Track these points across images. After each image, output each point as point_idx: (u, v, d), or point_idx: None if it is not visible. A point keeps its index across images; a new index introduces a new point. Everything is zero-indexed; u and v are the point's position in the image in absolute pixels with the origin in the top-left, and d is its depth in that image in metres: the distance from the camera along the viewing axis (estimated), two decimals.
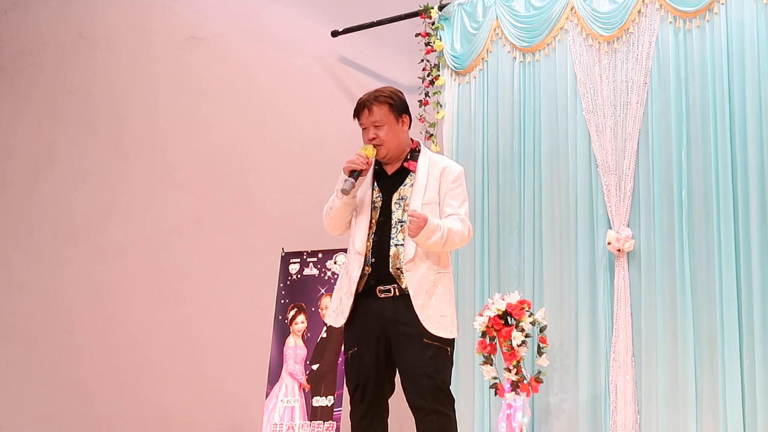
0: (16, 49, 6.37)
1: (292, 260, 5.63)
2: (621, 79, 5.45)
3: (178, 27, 6.50)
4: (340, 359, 5.25)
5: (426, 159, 3.87)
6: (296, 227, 6.29)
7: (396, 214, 3.79)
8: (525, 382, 5.32)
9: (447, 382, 3.73)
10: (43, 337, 6.03)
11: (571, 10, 5.66)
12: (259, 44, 6.57)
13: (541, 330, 5.38)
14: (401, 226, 3.77)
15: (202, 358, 6.11)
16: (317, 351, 5.37)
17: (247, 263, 6.24)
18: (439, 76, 6.19)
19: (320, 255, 5.57)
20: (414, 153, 3.87)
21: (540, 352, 5.35)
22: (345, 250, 5.55)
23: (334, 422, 5.17)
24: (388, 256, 3.75)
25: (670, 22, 5.32)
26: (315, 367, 5.33)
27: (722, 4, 5.13)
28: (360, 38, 6.56)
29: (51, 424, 5.93)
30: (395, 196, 3.82)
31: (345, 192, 3.74)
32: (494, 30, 5.99)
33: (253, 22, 6.59)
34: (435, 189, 3.80)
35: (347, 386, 3.88)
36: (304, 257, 5.61)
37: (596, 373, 5.34)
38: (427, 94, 6.21)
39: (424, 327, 3.67)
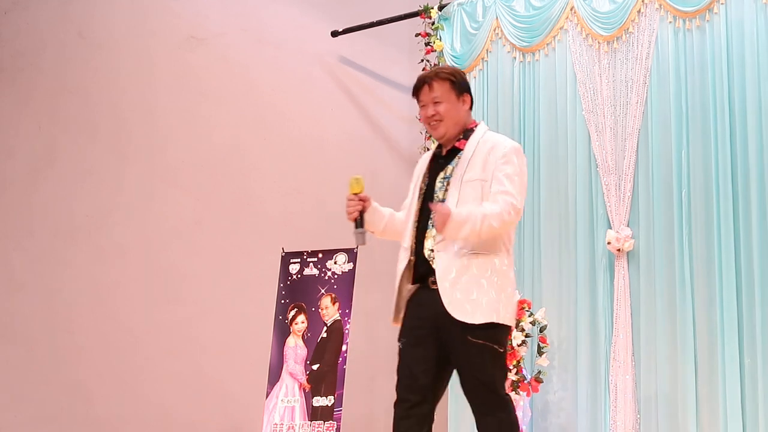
0: (16, 49, 6.36)
1: (292, 260, 5.62)
2: (621, 78, 5.45)
3: (178, 27, 6.49)
4: (340, 359, 5.25)
5: (478, 136, 3.66)
6: (296, 227, 6.29)
7: (438, 195, 3.60)
8: (525, 381, 5.32)
9: (495, 381, 3.51)
10: (43, 337, 6.02)
11: (571, 9, 5.66)
12: (259, 44, 6.57)
13: (541, 330, 5.39)
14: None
15: (202, 358, 6.11)
16: (317, 351, 5.37)
17: (247, 263, 6.24)
18: None
19: (320, 255, 5.57)
20: (468, 132, 3.68)
21: (540, 352, 5.36)
22: (345, 250, 5.60)
23: (335, 422, 5.17)
24: (425, 238, 3.58)
25: (670, 22, 5.32)
26: (315, 367, 5.33)
27: (722, 4, 5.14)
28: (360, 38, 6.56)
29: (51, 424, 5.92)
30: (440, 176, 3.64)
31: (361, 244, 3.65)
32: (494, 30, 6.00)
33: (253, 22, 6.59)
34: (479, 165, 3.57)
35: (397, 374, 3.67)
36: (304, 257, 5.60)
37: (596, 373, 5.35)
38: None
39: (464, 322, 3.45)
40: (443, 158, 3.70)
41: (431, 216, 3.55)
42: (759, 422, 4.77)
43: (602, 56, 5.53)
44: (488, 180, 3.56)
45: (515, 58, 5.91)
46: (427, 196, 3.65)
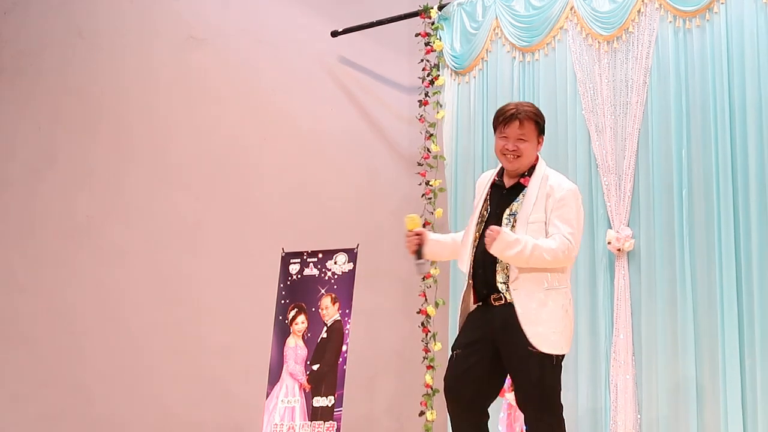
0: (17, 49, 6.37)
1: (292, 260, 5.63)
2: (621, 78, 5.45)
3: (179, 27, 6.50)
4: (341, 359, 5.25)
5: (540, 175, 3.93)
6: (296, 227, 6.29)
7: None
8: None
9: (551, 389, 3.78)
10: (44, 338, 6.03)
11: (571, 9, 5.66)
12: (259, 44, 6.57)
13: None
14: None
15: (202, 359, 6.11)
16: (317, 351, 5.37)
17: (247, 263, 6.24)
18: (438, 76, 6.19)
19: (320, 255, 5.57)
20: (532, 169, 3.95)
21: None
22: (345, 251, 5.60)
23: (335, 422, 5.17)
24: (495, 269, 3.85)
25: (670, 22, 5.32)
26: (315, 367, 5.33)
27: (722, 3, 5.13)
28: (360, 38, 6.56)
29: (52, 425, 5.93)
30: (507, 211, 3.90)
31: (423, 274, 4.04)
32: (494, 30, 5.99)
33: (253, 22, 6.59)
34: (542, 208, 3.85)
35: (444, 382, 3.99)
36: (305, 257, 5.61)
37: (596, 373, 5.34)
38: (426, 94, 6.22)
39: (528, 339, 3.74)
40: (507, 191, 3.95)
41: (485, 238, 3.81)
42: (759, 422, 4.76)
43: (602, 56, 5.52)
44: (546, 221, 3.83)
45: (515, 57, 5.90)
46: (492, 225, 3.87)
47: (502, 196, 3.95)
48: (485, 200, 3.99)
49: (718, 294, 4.94)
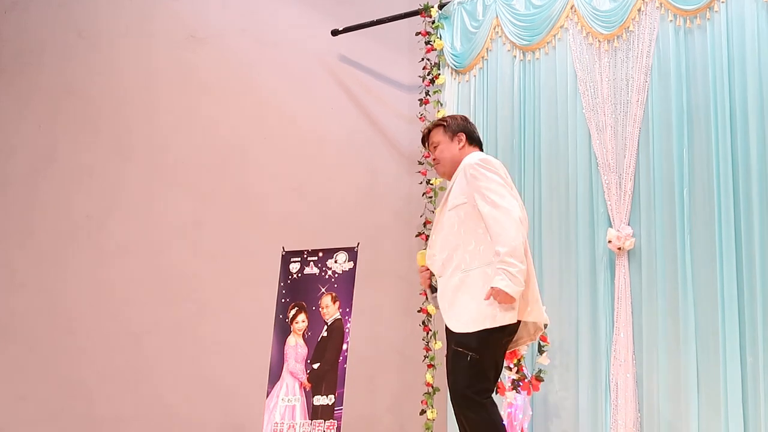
0: (17, 49, 6.37)
1: (292, 259, 5.62)
2: (621, 77, 5.45)
3: (178, 27, 6.50)
4: (341, 358, 5.25)
5: (462, 165, 4.01)
6: (296, 226, 6.29)
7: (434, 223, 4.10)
8: (526, 380, 5.32)
9: (462, 384, 3.76)
10: (44, 337, 6.03)
11: (571, 8, 5.66)
12: (259, 44, 6.57)
13: None
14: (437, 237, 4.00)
15: (202, 358, 6.11)
16: (318, 350, 5.37)
17: (247, 262, 6.24)
18: (439, 74, 6.20)
19: (321, 254, 5.56)
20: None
21: (540, 351, 5.35)
22: (345, 249, 5.60)
23: (335, 421, 5.16)
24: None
25: (671, 21, 5.32)
26: (316, 366, 5.33)
27: (722, 2, 5.13)
28: (360, 37, 6.56)
29: (52, 424, 5.93)
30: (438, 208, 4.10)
31: (438, 308, 4.01)
32: (494, 28, 6.00)
33: (253, 21, 6.60)
34: (459, 191, 3.92)
35: None
36: (305, 256, 5.60)
37: (597, 372, 5.34)
38: (427, 93, 6.22)
39: (449, 329, 3.81)
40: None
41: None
42: (761, 421, 4.76)
43: (603, 55, 5.53)
44: (468, 201, 3.86)
45: (515, 56, 5.91)
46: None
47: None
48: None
49: (719, 292, 4.94)
